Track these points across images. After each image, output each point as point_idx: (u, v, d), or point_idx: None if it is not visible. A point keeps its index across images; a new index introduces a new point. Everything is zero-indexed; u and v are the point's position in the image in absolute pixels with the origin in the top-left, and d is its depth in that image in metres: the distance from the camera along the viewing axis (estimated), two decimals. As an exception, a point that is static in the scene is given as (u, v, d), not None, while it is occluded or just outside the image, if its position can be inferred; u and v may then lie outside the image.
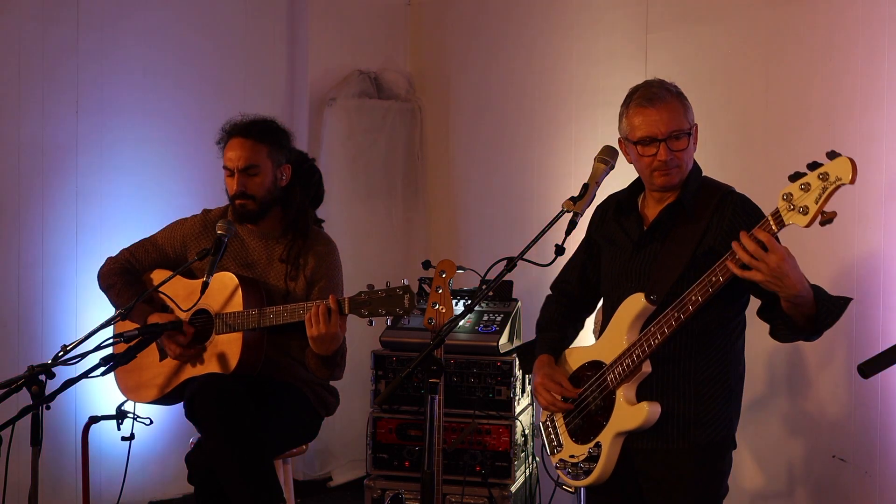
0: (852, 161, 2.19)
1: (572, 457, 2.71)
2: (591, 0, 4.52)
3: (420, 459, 3.84)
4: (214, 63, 4.82)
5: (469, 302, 3.54)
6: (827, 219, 2.24)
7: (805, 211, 2.23)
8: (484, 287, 2.63)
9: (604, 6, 4.46)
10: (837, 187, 2.20)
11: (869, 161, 3.45)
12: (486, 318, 3.99)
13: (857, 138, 3.48)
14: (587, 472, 2.66)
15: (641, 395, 2.59)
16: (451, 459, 3.84)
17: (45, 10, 4.27)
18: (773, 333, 2.56)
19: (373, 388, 4.00)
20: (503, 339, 3.89)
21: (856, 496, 3.49)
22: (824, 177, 2.21)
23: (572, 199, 2.57)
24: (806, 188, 2.23)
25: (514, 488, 3.83)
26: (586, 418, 2.68)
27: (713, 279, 2.41)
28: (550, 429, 2.81)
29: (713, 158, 3.85)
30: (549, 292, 3.02)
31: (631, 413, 2.58)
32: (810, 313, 2.41)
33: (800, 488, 3.70)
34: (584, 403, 2.68)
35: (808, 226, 2.23)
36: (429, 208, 5.33)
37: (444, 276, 2.99)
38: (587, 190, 2.59)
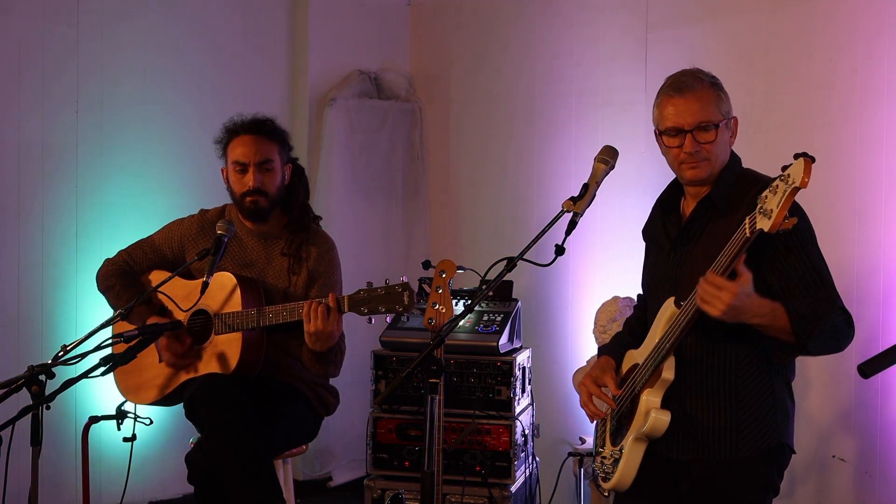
0: (808, 162, 2.08)
1: (604, 458, 2.69)
2: (591, 0, 4.52)
3: (420, 459, 3.84)
4: (214, 63, 4.81)
5: (469, 302, 3.54)
6: (787, 226, 2.15)
7: (769, 214, 2.14)
8: (484, 287, 2.63)
9: (604, 6, 4.46)
10: (794, 191, 2.10)
11: (869, 161, 3.45)
12: (486, 318, 3.99)
13: (857, 138, 3.49)
14: (611, 475, 2.62)
15: (674, 402, 2.52)
16: (451, 459, 3.84)
17: (45, 10, 4.27)
18: (771, 356, 2.48)
19: (373, 388, 4.00)
20: (503, 339, 3.88)
21: (856, 496, 3.49)
22: (786, 179, 2.12)
23: (572, 199, 2.55)
24: (774, 191, 2.14)
25: (514, 488, 3.83)
26: (620, 421, 2.65)
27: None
28: (601, 429, 2.78)
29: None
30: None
31: (642, 419, 2.53)
32: (790, 329, 2.35)
33: (800, 488, 3.70)
34: (620, 406, 2.65)
35: (770, 230, 2.14)
36: (429, 208, 5.33)
37: (444, 276, 2.99)
38: (587, 190, 2.57)
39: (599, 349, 2.91)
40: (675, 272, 2.60)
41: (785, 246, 2.44)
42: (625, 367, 2.71)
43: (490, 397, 3.86)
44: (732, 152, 2.63)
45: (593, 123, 4.44)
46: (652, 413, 2.50)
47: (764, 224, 2.15)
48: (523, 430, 3.91)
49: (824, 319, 2.36)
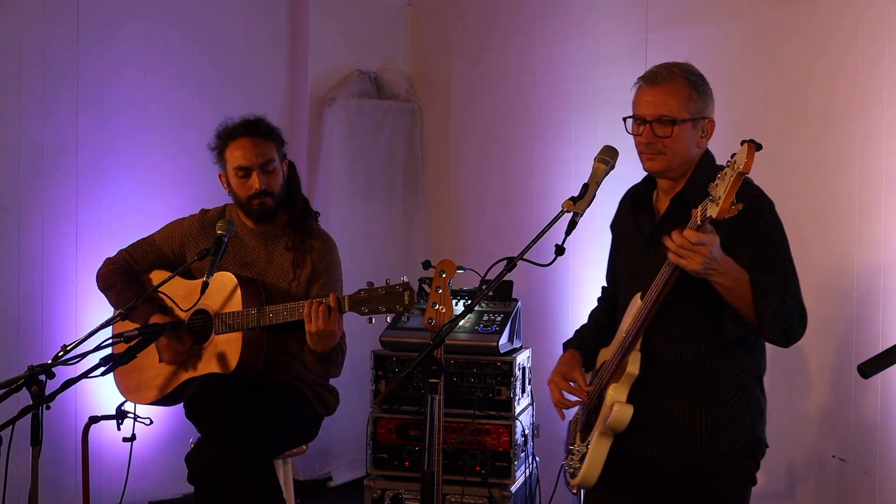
0: (751, 147, 2.08)
1: (573, 455, 2.70)
2: (591, 1, 4.52)
3: (420, 459, 3.84)
4: (214, 63, 4.81)
5: (469, 302, 3.54)
6: (732, 213, 2.15)
7: (717, 201, 2.15)
8: (484, 287, 2.63)
9: (604, 7, 4.46)
10: (739, 176, 2.10)
11: (869, 161, 3.45)
12: (486, 318, 3.99)
13: (857, 138, 3.49)
14: (577, 471, 2.62)
15: (648, 400, 2.53)
16: (451, 459, 3.84)
17: (45, 10, 4.27)
18: (725, 328, 2.47)
19: (373, 388, 4.00)
20: (503, 339, 3.88)
21: (856, 496, 3.49)
22: (732, 165, 2.12)
23: (572, 199, 2.54)
24: (722, 177, 2.15)
25: (514, 488, 3.83)
26: (589, 416, 2.66)
27: (664, 276, 2.40)
28: (573, 427, 2.79)
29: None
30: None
31: (605, 413, 2.54)
32: (750, 302, 2.37)
33: (800, 488, 3.70)
34: (590, 402, 2.66)
35: (719, 217, 2.14)
36: (429, 208, 5.33)
37: (444, 276, 2.99)
38: (587, 190, 2.56)
39: (564, 344, 2.91)
40: (645, 269, 2.61)
41: (748, 228, 2.46)
42: (598, 363, 2.73)
43: (490, 397, 3.86)
44: (707, 151, 2.64)
45: (593, 123, 4.43)
46: (615, 406, 2.51)
47: (713, 210, 2.16)
48: (523, 430, 3.91)
49: (783, 298, 2.38)
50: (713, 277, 2.34)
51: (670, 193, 2.64)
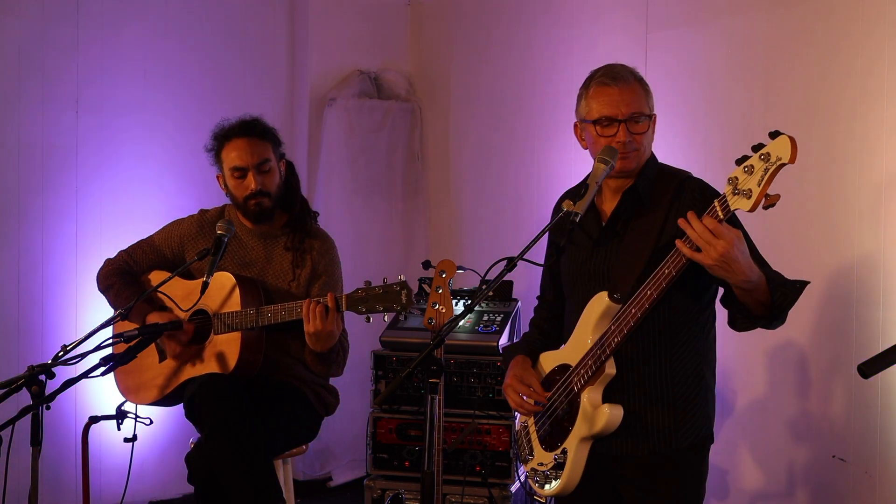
0: (792, 140, 2.09)
1: (541, 465, 2.63)
2: (591, 1, 4.52)
3: (420, 459, 3.84)
4: (214, 63, 4.82)
5: (469, 302, 3.54)
6: (770, 203, 2.15)
7: (749, 194, 2.14)
8: (484, 287, 2.62)
9: (604, 6, 4.46)
10: (779, 168, 2.11)
11: (869, 161, 3.45)
12: (486, 318, 3.99)
13: (857, 138, 3.48)
14: (554, 480, 2.58)
15: (611, 398, 2.51)
16: (451, 459, 3.84)
17: (45, 10, 4.27)
18: (731, 322, 2.48)
19: (373, 388, 4.00)
20: (503, 339, 3.88)
21: (856, 496, 3.49)
22: (766, 157, 2.12)
23: (572, 199, 2.55)
24: (749, 171, 2.14)
25: (514, 488, 3.83)
26: (554, 424, 2.60)
27: (665, 272, 2.35)
28: (524, 437, 2.72)
29: (713, 158, 3.86)
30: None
31: (592, 417, 2.50)
32: (765, 300, 2.35)
33: (800, 488, 3.70)
34: (552, 408, 2.60)
35: (752, 210, 2.15)
36: (429, 208, 5.33)
37: (444, 276, 2.99)
38: (587, 190, 2.56)
39: (505, 349, 2.87)
40: (602, 268, 2.58)
41: (744, 233, 2.41)
42: (546, 369, 2.67)
43: (490, 397, 3.86)
44: (651, 149, 2.64)
45: (593, 123, 4.43)
46: (606, 409, 2.48)
47: (742, 204, 2.16)
48: (523, 430, 3.91)
49: (797, 291, 2.38)
50: (732, 279, 2.30)
51: (618, 192, 2.61)
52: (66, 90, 4.33)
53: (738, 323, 2.46)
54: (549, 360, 2.69)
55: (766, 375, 3.77)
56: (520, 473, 2.67)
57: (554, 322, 2.82)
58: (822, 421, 3.63)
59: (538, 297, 2.95)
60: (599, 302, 2.51)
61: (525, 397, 2.62)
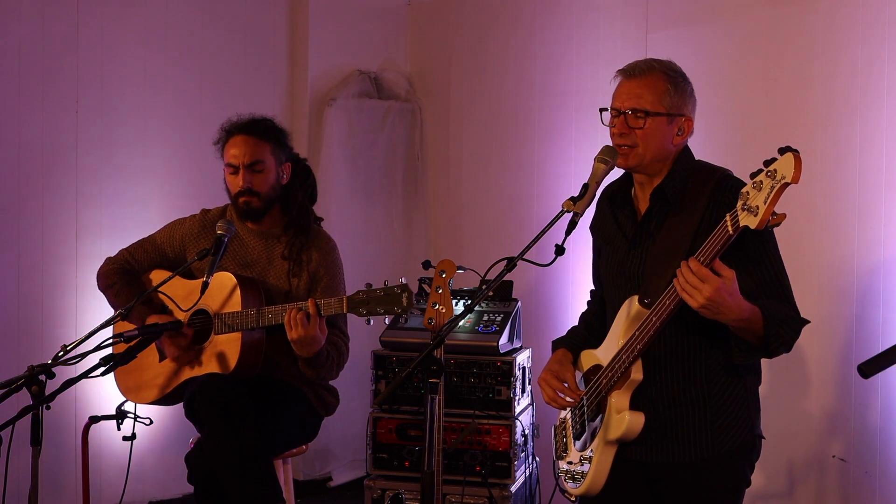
0: (797, 157, 2.04)
1: (571, 463, 2.64)
2: (591, 1, 4.52)
3: (420, 459, 3.84)
4: (214, 63, 4.82)
5: (469, 302, 3.54)
6: (775, 222, 2.11)
7: (755, 212, 2.10)
8: (484, 287, 2.62)
9: (604, 6, 4.46)
10: (783, 187, 2.06)
11: (869, 161, 3.45)
12: (486, 318, 3.99)
13: (857, 138, 3.48)
14: (581, 479, 2.57)
15: (641, 402, 2.49)
16: (451, 459, 3.84)
17: (45, 10, 4.27)
18: (730, 355, 2.43)
19: (373, 388, 4.00)
20: (503, 339, 3.88)
21: (856, 496, 3.49)
22: (772, 175, 2.07)
23: (572, 199, 2.51)
24: (758, 187, 2.09)
25: (514, 488, 3.83)
26: (585, 424, 2.61)
27: (671, 301, 2.34)
28: (561, 433, 2.73)
29: (713, 159, 3.85)
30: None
31: (615, 422, 2.48)
32: (762, 335, 2.33)
33: (800, 488, 3.70)
34: (585, 408, 2.60)
35: (758, 228, 2.10)
36: (429, 208, 5.33)
37: (444, 276, 2.99)
38: (587, 190, 2.53)
39: (553, 342, 2.85)
40: (635, 269, 2.56)
41: (756, 250, 2.43)
42: (585, 366, 2.66)
43: (490, 397, 3.86)
44: (686, 147, 2.60)
45: (593, 123, 4.41)
46: (626, 416, 2.46)
47: (750, 221, 2.12)
48: (523, 430, 3.91)
49: (794, 330, 2.38)
50: (721, 319, 2.29)
51: (648, 189, 2.59)
52: (65, 89, 4.33)
53: (734, 355, 2.41)
54: (588, 358, 2.66)
55: (765, 375, 3.76)
56: (555, 469, 2.68)
57: (601, 317, 2.79)
58: (822, 421, 3.63)
59: (591, 291, 2.93)
60: (631, 305, 2.50)
61: (560, 394, 2.61)
